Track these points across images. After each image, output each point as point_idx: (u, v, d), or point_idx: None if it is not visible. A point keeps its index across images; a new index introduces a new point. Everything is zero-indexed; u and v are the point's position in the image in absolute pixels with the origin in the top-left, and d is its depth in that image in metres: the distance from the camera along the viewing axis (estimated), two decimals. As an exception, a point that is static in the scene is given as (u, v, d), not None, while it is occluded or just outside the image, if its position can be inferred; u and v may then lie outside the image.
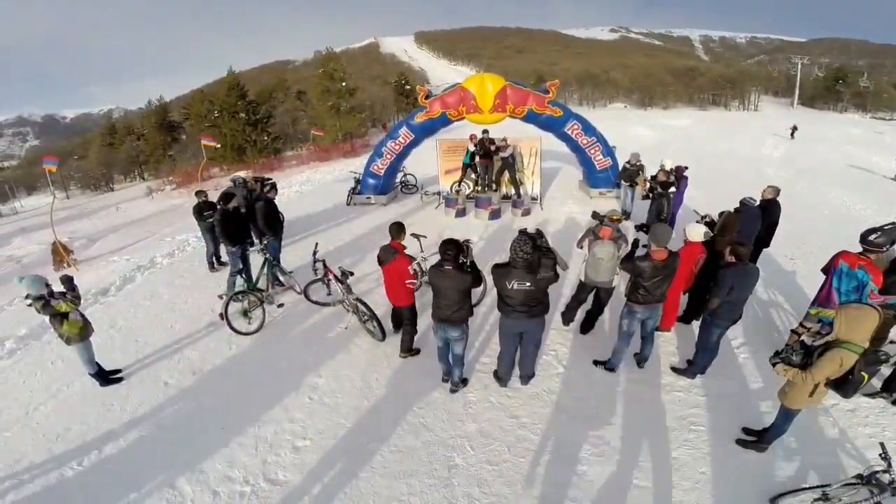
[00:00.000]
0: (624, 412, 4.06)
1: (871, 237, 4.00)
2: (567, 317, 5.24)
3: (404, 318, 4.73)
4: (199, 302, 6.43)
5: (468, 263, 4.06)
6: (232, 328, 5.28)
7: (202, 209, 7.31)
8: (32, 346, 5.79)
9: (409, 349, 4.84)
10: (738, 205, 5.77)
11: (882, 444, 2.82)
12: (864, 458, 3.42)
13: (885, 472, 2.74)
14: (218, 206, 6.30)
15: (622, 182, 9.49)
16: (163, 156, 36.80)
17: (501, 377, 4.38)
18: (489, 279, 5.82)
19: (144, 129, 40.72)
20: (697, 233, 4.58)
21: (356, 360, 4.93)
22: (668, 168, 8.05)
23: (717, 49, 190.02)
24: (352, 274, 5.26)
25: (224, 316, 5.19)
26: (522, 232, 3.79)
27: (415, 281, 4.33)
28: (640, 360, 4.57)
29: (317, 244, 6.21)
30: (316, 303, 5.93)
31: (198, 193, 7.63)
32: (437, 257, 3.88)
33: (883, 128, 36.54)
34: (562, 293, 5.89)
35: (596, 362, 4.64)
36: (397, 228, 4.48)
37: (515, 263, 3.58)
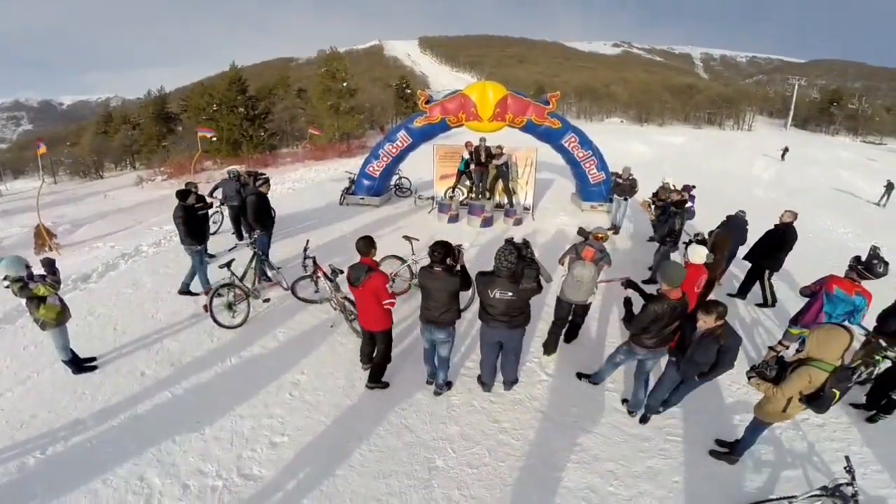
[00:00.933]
0: (603, 421, 4.06)
1: (874, 263, 4.21)
2: (549, 347, 4.96)
3: (378, 345, 4.27)
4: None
5: (458, 266, 4.02)
6: (215, 321, 5.19)
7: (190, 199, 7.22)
8: (5, 329, 5.62)
9: (377, 380, 4.40)
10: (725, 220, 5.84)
11: (847, 458, 2.94)
12: (830, 471, 3.52)
13: (848, 484, 2.85)
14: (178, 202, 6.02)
15: (615, 196, 9.44)
16: (157, 146, 36.46)
17: (485, 382, 4.35)
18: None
19: (141, 119, 40.40)
20: (699, 255, 4.47)
21: (340, 358, 4.88)
22: (670, 184, 8.21)
23: (716, 67, 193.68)
24: (342, 272, 5.22)
25: (208, 308, 5.11)
26: (509, 241, 3.77)
27: (394, 301, 3.99)
28: (632, 407, 4.07)
29: (308, 241, 6.16)
30: (303, 300, 5.87)
31: (186, 185, 7.55)
32: (428, 260, 3.83)
33: (874, 153, 37.22)
34: (545, 302, 5.86)
35: (580, 375, 4.60)
36: (366, 243, 3.99)
37: (499, 272, 3.55)
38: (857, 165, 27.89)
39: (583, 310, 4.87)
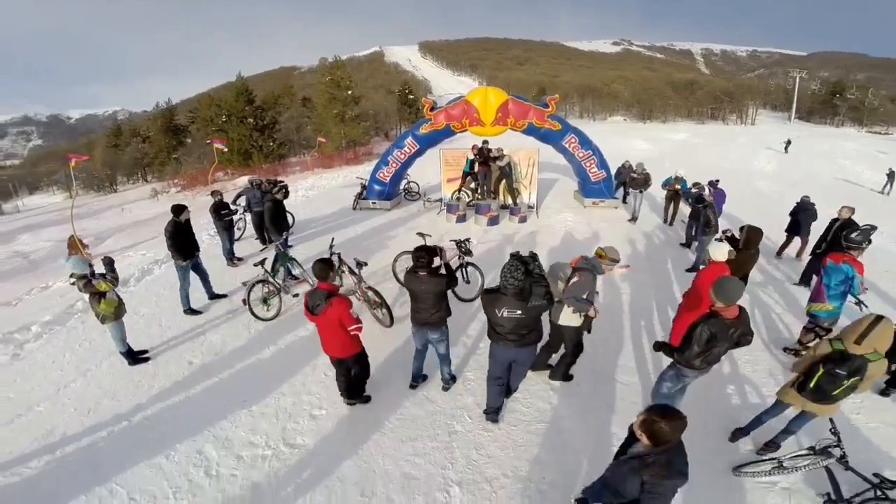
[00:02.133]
0: (607, 389, 4.51)
1: (852, 235, 4.82)
2: (541, 363, 4.57)
3: (353, 370, 4.11)
4: (218, 291, 6.84)
5: (442, 267, 4.16)
6: (252, 313, 5.75)
7: (219, 208, 7.83)
8: (57, 330, 6.20)
9: (358, 395, 4.30)
10: (743, 223, 6.11)
11: (831, 420, 3.18)
12: (818, 436, 3.82)
13: (835, 446, 3.11)
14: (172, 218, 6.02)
15: (630, 189, 10.25)
16: (168, 158, 37.34)
17: (490, 409, 4.04)
18: (486, 277, 6.28)
19: (150, 132, 41.33)
20: (721, 251, 4.44)
21: (365, 342, 5.35)
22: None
23: (717, 62, 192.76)
24: (366, 264, 5.72)
25: (246, 301, 5.66)
26: (514, 256, 3.54)
27: (360, 325, 3.77)
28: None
29: (333, 238, 6.76)
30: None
31: (213, 193, 8.18)
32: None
33: (882, 144, 36.74)
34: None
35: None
36: (322, 267, 3.71)
37: (505, 290, 3.37)
38: (862, 155, 27.98)
39: (572, 334, 4.15)
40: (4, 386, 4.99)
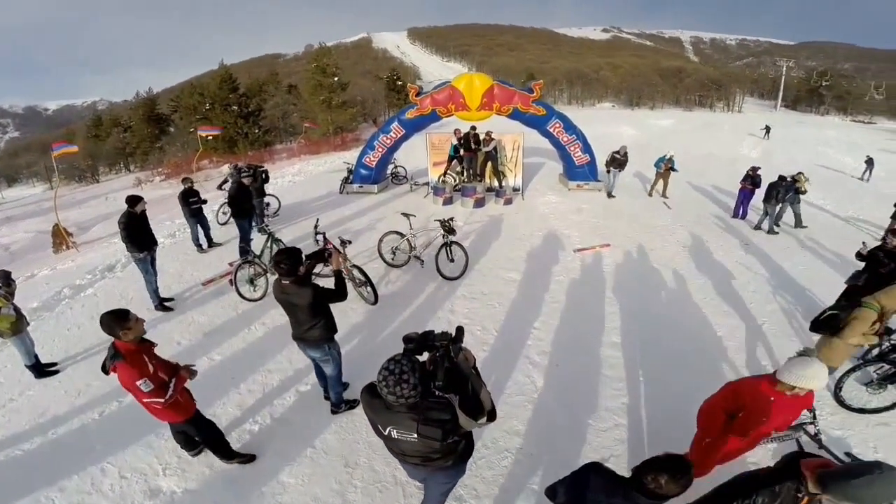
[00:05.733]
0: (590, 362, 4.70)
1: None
2: None
3: (197, 435, 3.37)
4: (205, 274, 6.94)
5: (311, 274, 3.64)
6: (239, 294, 5.82)
7: (187, 195, 7.68)
8: (46, 317, 6.19)
9: (228, 456, 3.52)
10: None
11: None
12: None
13: (810, 423, 3.19)
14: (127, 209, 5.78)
15: (610, 168, 10.82)
16: (150, 147, 36.68)
17: None
18: (469, 257, 6.33)
19: (132, 121, 40.49)
20: (819, 379, 2.37)
21: (350, 319, 5.48)
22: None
23: (706, 50, 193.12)
24: (350, 242, 5.80)
25: (233, 282, 5.72)
26: (408, 343, 2.28)
27: (159, 399, 2.87)
28: None
29: (318, 219, 6.85)
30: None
31: (184, 180, 8.02)
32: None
33: (866, 135, 36.62)
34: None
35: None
36: (111, 319, 2.76)
37: (391, 405, 2.03)
38: (843, 143, 28.54)
39: None
40: (-6, 371, 5.00)
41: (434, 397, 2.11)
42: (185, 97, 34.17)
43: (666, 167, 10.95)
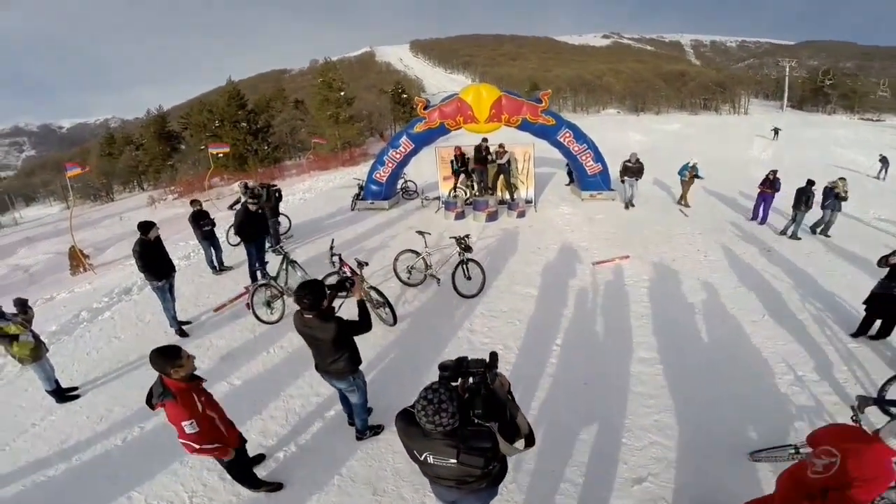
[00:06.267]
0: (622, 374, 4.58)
1: None
2: None
3: (222, 464, 3.27)
4: (221, 297, 6.91)
5: (334, 306, 3.54)
6: (256, 317, 5.79)
7: (198, 218, 7.60)
8: (65, 340, 6.21)
9: (257, 483, 3.51)
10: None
11: (853, 408, 3.11)
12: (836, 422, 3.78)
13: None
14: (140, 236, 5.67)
15: (626, 178, 10.59)
16: (162, 165, 37.25)
17: None
18: (486, 274, 6.24)
19: (143, 139, 41.21)
20: None
21: (368, 342, 5.37)
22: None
23: (707, 53, 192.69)
24: (367, 264, 5.75)
25: (250, 306, 5.68)
26: (443, 371, 2.25)
27: (194, 445, 2.83)
28: None
29: (333, 240, 6.78)
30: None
31: (193, 202, 7.92)
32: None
33: (877, 133, 36.13)
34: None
35: None
36: (161, 357, 2.71)
37: (429, 433, 2.04)
38: (853, 142, 28.15)
39: None
40: (16, 396, 5.04)
41: (474, 425, 2.09)
42: (194, 114, 34.71)
43: (690, 175, 10.75)
